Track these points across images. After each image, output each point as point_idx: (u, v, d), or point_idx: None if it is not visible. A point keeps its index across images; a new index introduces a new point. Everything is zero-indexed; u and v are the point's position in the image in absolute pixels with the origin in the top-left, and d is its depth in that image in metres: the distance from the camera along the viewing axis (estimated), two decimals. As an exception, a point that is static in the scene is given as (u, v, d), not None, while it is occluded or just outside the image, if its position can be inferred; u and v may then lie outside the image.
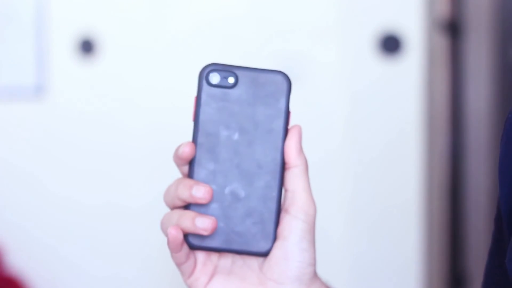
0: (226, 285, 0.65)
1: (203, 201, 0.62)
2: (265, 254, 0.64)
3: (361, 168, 1.65)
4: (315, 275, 0.65)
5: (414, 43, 1.61)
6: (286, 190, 0.65)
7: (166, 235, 0.63)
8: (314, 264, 0.64)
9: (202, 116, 0.64)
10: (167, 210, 0.66)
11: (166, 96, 1.71)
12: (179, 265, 0.64)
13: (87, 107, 1.75)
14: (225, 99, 0.64)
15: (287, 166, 0.64)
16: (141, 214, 1.72)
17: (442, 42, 1.68)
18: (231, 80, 0.64)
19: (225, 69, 0.64)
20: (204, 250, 0.64)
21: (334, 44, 1.64)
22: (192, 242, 0.63)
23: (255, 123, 0.64)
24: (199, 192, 0.62)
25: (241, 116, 0.64)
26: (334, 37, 1.64)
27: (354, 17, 1.63)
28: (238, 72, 0.64)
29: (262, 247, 0.64)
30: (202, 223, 0.61)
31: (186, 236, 0.63)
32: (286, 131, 0.65)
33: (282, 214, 0.64)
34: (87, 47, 1.74)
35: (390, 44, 1.62)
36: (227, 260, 0.65)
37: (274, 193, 0.64)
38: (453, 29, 1.68)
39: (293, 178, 0.64)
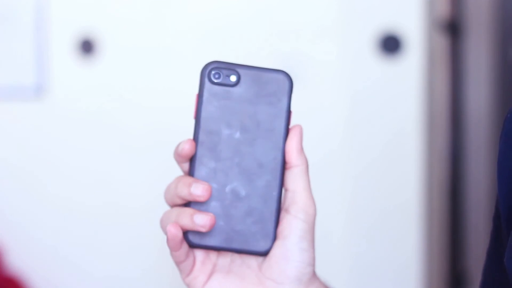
0: (225, 284, 0.65)
1: (202, 199, 0.62)
2: (264, 254, 0.64)
3: (361, 168, 1.65)
4: (314, 275, 0.65)
5: (414, 43, 1.61)
6: (286, 190, 0.65)
7: (166, 233, 0.63)
8: (313, 264, 0.64)
9: (203, 114, 0.63)
10: (167, 209, 0.66)
11: (166, 96, 1.71)
12: (178, 263, 0.64)
13: (87, 107, 1.75)
14: (226, 97, 0.64)
15: (287, 165, 0.64)
16: (141, 214, 1.72)
17: (442, 42, 1.68)
18: (233, 78, 0.64)
19: (228, 67, 0.64)
20: (203, 249, 0.64)
21: (334, 44, 1.64)
22: (191, 240, 0.63)
23: (257, 122, 0.64)
24: (198, 189, 0.62)
25: (242, 114, 0.64)
26: (334, 37, 1.64)
27: (354, 17, 1.63)
28: (240, 71, 0.64)
29: (262, 246, 0.64)
30: (200, 220, 0.61)
31: (185, 234, 0.63)
32: (287, 131, 0.65)
33: (282, 214, 0.64)
34: (87, 47, 1.74)
35: (390, 44, 1.62)
36: (225, 259, 0.66)
37: (275, 193, 0.64)
38: (453, 29, 1.68)
39: (294, 178, 0.64)
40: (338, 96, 1.64)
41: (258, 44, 1.67)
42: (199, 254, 0.65)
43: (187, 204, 0.63)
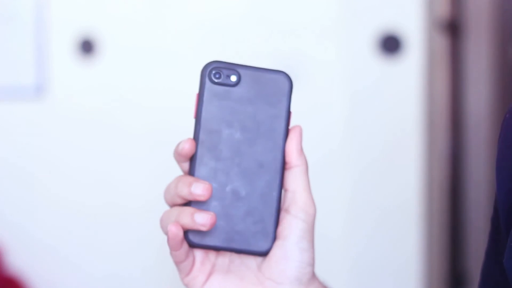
0: (224, 284, 0.65)
1: (202, 198, 0.62)
2: (264, 254, 0.64)
3: (361, 168, 1.65)
4: (313, 275, 0.65)
5: (414, 43, 1.61)
6: (286, 190, 0.65)
7: (166, 232, 0.63)
8: (313, 264, 0.64)
9: (203, 113, 0.63)
10: (167, 209, 0.66)
11: (166, 96, 1.71)
12: (178, 263, 0.64)
13: (87, 107, 1.75)
14: (227, 97, 0.64)
15: (287, 166, 0.65)
16: (141, 214, 1.72)
17: (442, 42, 1.68)
18: (233, 78, 0.64)
19: (228, 67, 0.64)
20: (203, 248, 0.64)
21: (334, 43, 1.64)
22: (192, 240, 0.63)
23: (256, 122, 0.64)
24: (198, 189, 0.62)
25: (242, 114, 0.64)
26: (334, 37, 1.64)
27: (354, 17, 1.63)
28: (241, 71, 0.64)
29: (262, 246, 0.64)
30: (201, 219, 0.61)
31: (186, 233, 0.63)
32: (287, 131, 0.65)
33: (282, 214, 0.64)
34: (87, 47, 1.74)
35: (390, 44, 1.62)
36: (224, 259, 0.66)
37: (275, 193, 0.64)
38: (453, 29, 1.68)
39: (294, 178, 0.64)
40: (338, 96, 1.64)
41: (258, 44, 1.67)
42: (198, 254, 0.65)
43: (187, 203, 0.63)
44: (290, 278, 0.63)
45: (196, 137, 0.64)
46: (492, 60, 1.66)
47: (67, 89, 1.76)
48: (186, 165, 0.65)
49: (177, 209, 0.63)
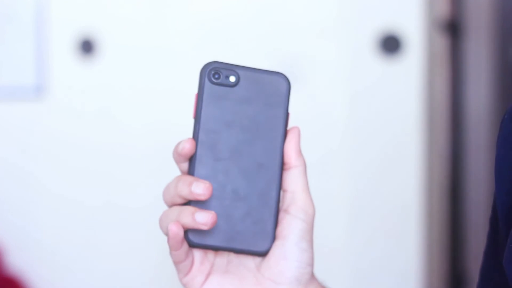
0: (223, 285, 0.65)
1: (203, 197, 0.62)
2: (264, 254, 0.64)
3: (361, 168, 1.65)
4: (312, 276, 0.65)
5: (414, 43, 1.61)
6: (285, 191, 0.65)
7: (165, 232, 0.63)
8: (312, 264, 0.64)
9: (203, 113, 0.64)
10: (166, 209, 0.65)
11: (166, 95, 1.71)
12: (177, 263, 0.64)
13: (87, 107, 1.75)
14: (226, 98, 0.64)
15: (286, 166, 0.65)
16: (141, 214, 1.72)
17: (442, 42, 1.68)
18: (232, 79, 0.64)
19: (227, 68, 0.64)
20: (203, 248, 0.64)
21: (334, 44, 1.64)
22: (191, 240, 0.63)
23: (255, 123, 0.64)
24: (199, 188, 0.61)
25: (241, 115, 0.64)
26: (334, 37, 1.64)
27: (354, 17, 1.63)
28: (240, 71, 0.64)
29: (261, 246, 0.64)
30: (202, 218, 0.61)
31: (185, 233, 0.63)
32: (285, 132, 0.65)
33: (282, 215, 0.64)
34: (87, 47, 1.74)
35: (390, 44, 1.62)
36: (223, 259, 0.65)
37: (274, 193, 0.64)
38: (453, 29, 1.68)
39: (293, 179, 0.64)
40: (338, 96, 1.64)
41: (258, 44, 1.67)
42: (197, 254, 0.65)
43: (187, 203, 0.63)
44: (289, 278, 0.63)
45: (195, 137, 0.64)
46: (492, 60, 1.66)
47: (67, 89, 1.76)
48: (185, 165, 0.64)
49: (177, 209, 0.62)
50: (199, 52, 1.68)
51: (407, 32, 1.61)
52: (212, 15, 1.68)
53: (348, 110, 1.64)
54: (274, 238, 0.64)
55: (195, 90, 0.65)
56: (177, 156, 0.64)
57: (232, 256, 0.65)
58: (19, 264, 1.77)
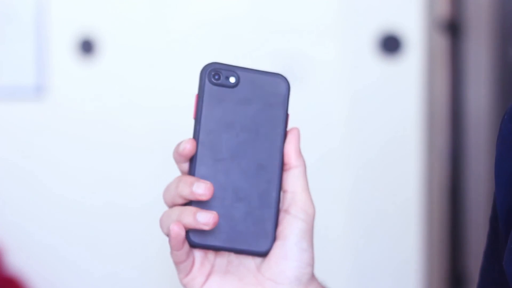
0: (223, 285, 0.65)
1: (204, 198, 0.62)
2: (264, 254, 0.64)
3: (361, 167, 1.65)
4: (312, 276, 0.65)
5: (414, 43, 1.61)
6: (285, 191, 0.65)
7: (166, 233, 0.63)
8: (312, 264, 0.65)
9: (203, 114, 0.64)
10: (167, 209, 0.65)
11: (166, 95, 1.71)
12: (178, 263, 0.64)
13: (87, 107, 1.75)
14: (226, 98, 0.64)
15: (287, 167, 0.65)
16: (141, 214, 1.72)
17: (442, 42, 1.68)
18: (232, 79, 0.64)
19: (227, 69, 0.64)
20: (204, 248, 0.64)
21: (334, 43, 1.64)
22: (193, 240, 0.63)
23: (255, 124, 0.64)
24: (200, 188, 0.61)
25: (241, 115, 0.64)
26: (334, 37, 1.64)
27: (354, 17, 1.63)
28: (240, 73, 0.64)
29: (262, 246, 0.64)
30: (203, 218, 0.61)
31: (187, 233, 0.63)
32: (285, 133, 0.65)
33: (282, 215, 0.64)
34: (87, 47, 1.74)
35: (390, 44, 1.62)
36: (223, 260, 0.66)
37: (274, 193, 0.64)
38: (453, 29, 1.68)
39: (293, 179, 0.65)
40: (338, 96, 1.64)
41: (258, 43, 1.67)
42: (198, 254, 0.65)
43: (188, 203, 0.63)
44: (290, 278, 0.63)
45: (196, 138, 0.64)
46: (492, 60, 1.66)
47: (67, 89, 1.76)
48: (185, 166, 0.65)
49: (178, 209, 0.62)
50: (199, 52, 1.68)
51: (407, 32, 1.61)
52: (212, 15, 1.68)
53: (348, 110, 1.64)
54: (274, 238, 0.64)
55: (195, 90, 0.65)
56: (178, 156, 0.64)
57: (232, 256, 0.66)
58: (19, 264, 1.77)
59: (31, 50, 1.75)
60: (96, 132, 1.74)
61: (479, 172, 1.68)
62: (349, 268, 1.66)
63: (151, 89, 1.72)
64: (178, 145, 0.63)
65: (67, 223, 1.76)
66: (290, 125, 0.66)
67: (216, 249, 0.64)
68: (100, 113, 1.74)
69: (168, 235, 0.62)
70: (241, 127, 0.64)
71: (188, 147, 0.63)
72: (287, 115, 0.65)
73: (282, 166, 0.65)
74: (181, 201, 0.63)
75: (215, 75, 0.64)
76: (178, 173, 0.66)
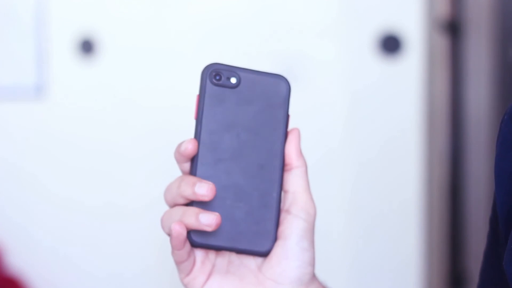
0: (224, 285, 0.65)
1: (206, 198, 0.62)
2: (265, 254, 0.64)
3: (360, 167, 1.65)
4: (313, 276, 0.65)
5: (414, 43, 1.61)
6: (286, 191, 0.65)
7: (168, 232, 0.63)
8: (313, 264, 0.65)
9: (204, 114, 0.64)
10: (167, 208, 0.66)
11: (166, 96, 1.71)
12: (179, 263, 0.64)
13: (87, 107, 1.75)
14: (227, 99, 0.64)
15: (288, 167, 0.65)
16: (141, 214, 1.72)
17: (442, 42, 1.68)
18: (233, 80, 0.64)
19: (228, 69, 0.64)
20: (206, 248, 0.64)
21: (334, 43, 1.64)
22: (194, 239, 0.63)
23: (256, 124, 0.65)
24: (202, 189, 0.62)
25: (242, 116, 0.64)
26: (334, 37, 1.64)
27: (354, 17, 1.63)
28: (241, 73, 0.65)
29: (263, 246, 0.64)
30: (206, 219, 0.61)
31: (188, 233, 0.63)
32: (285, 134, 0.65)
33: (283, 215, 0.65)
34: (87, 47, 1.74)
35: (390, 44, 1.62)
36: (223, 260, 0.66)
37: (275, 194, 0.65)
38: (453, 29, 1.68)
39: (294, 179, 0.65)
40: (338, 96, 1.64)
41: (258, 44, 1.67)
42: (199, 254, 0.65)
43: (189, 204, 0.63)
44: (291, 278, 0.63)
45: (197, 138, 0.64)
46: (492, 60, 1.66)
47: (67, 89, 1.76)
48: (186, 166, 0.65)
49: (180, 209, 0.62)
50: (199, 52, 1.68)
51: (407, 32, 1.61)
52: (212, 15, 1.68)
53: (348, 110, 1.64)
54: (275, 238, 0.64)
55: (195, 90, 0.65)
56: (179, 156, 0.64)
57: (233, 256, 0.66)
58: (19, 264, 1.77)
59: (31, 50, 1.75)
60: (96, 132, 1.75)
61: (479, 172, 1.68)
62: (349, 268, 1.66)
63: (151, 89, 1.72)
64: (180, 145, 0.64)
65: (67, 223, 1.76)
66: (290, 124, 0.66)
67: (217, 248, 0.64)
68: (100, 113, 1.74)
69: (169, 234, 0.62)
70: (242, 128, 0.64)
71: (190, 147, 0.63)
72: (287, 116, 0.66)
73: (282, 166, 0.65)
74: (182, 201, 0.63)
75: (216, 76, 0.64)
76: (179, 173, 0.66)
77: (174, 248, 0.62)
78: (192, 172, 0.64)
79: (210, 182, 0.62)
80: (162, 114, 1.71)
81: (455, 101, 1.70)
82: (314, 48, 1.64)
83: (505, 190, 0.57)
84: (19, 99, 1.77)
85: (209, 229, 0.61)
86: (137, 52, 1.72)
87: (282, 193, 0.65)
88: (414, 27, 1.61)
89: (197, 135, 0.64)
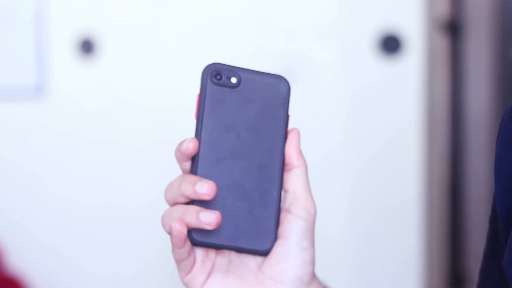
0: (224, 284, 0.65)
1: (207, 197, 0.62)
2: (265, 253, 0.65)
3: (360, 167, 1.65)
4: (313, 275, 0.65)
5: (414, 43, 1.61)
6: (286, 191, 0.65)
7: (168, 231, 0.63)
8: (313, 263, 0.65)
9: (205, 114, 0.64)
10: (168, 207, 0.66)
11: (166, 95, 1.71)
12: (179, 261, 0.64)
13: (87, 107, 1.75)
14: (227, 98, 0.65)
15: (288, 167, 0.65)
16: (141, 214, 1.72)
17: (442, 42, 1.68)
18: (234, 80, 0.65)
19: (229, 69, 0.65)
20: (206, 247, 0.64)
21: (334, 43, 1.64)
22: (194, 238, 0.63)
23: (256, 124, 0.65)
24: (203, 188, 0.62)
25: (242, 116, 0.65)
26: (333, 37, 1.64)
27: (354, 17, 1.63)
28: (241, 73, 0.65)
29: (263, 245, 0.64)
30: (206, 218, 0.61)
31: (188, 231, 0.63)
32: (285, 134, 0.66)
33: (284, 214, 0.65)
34: (87, 47, 1.74)
35: (390, 44, 1.62)
36: (224, 259, 0.66)
37: (275, 193, 0.65)
38: (453, 29, 1.68)
39: (294, 179, 0.65)
40: (338, 96, 1.64)
41: (258, 44, 1.67)
42: (199, 253, 0.65)
43: (189, 203, 0.64)
44: (291, 277, 0.63)
45: (198, 137, 0.64)
46: (492, 60, 1.66)
47: (67, 89, 1.76)
48: (187, 165, 0.65)
49: (181, 208, 0.63)
50: (199, 52, 1.68)
51: (407, 32, 1.61)
52: (212, 15, 1.68)
53: (348, 110, 1.64)
54: (275, 237, 0.65)
55: (195, 90, 0.65)
56: (180, 155, 0.64)
57: (233, 255, 0.66)
58: (19, 264, 1.77)
59: (31, 50, 1.75)
60: (96, 132, 1.75)
61: (479, 172, 1.68)
62: (349, 268, 1.66)
63: (151, 89, 1.72)
64: (181, 144, 0.64)
65: (67, 223, 1.76)
66: (290, 124, 0.66)
67: (218, 247, 0.64)
68: (100, 113, 1.74)
69: (169, 233, 0.62)
70: (242, 127, 0.65)
71: (191, 146, 0.63)
72: (287, 116, 0.66)
73: (283, 166, 0.65)
74: (183, 200, 0.63)
75: (216, 75, 0.64)
76: (179, 173, 0.66)
77: (174, 247, 0.62)
78: (193, 171, 0.64)
79: (211, 181, 0.62)
80: (162, 114, 1.71)
81: (455, 101, 1.70)
82: (314, 48, 1.64)
83: (505, 190, 0.57)
84: (19, 99, 1.77)
85: (209, 227, 0.61)
86: (137, 52, 1.72)
87: (282, 193, 0.66)
88: (414, 27, 1.61)
89: (198, 134, 0.64)
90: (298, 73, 1.64)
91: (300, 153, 0.66)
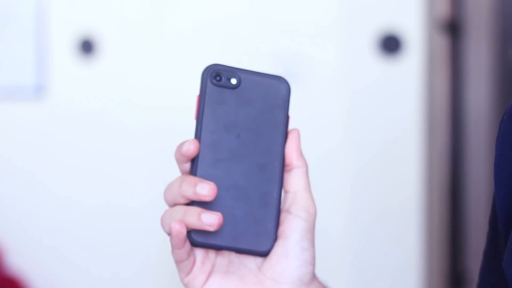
0: (224, 284, 0.65)
1: (208, 199, 0.62)
2: (265, 254, 0.65)
3: (360, 167, 1.65)
4: (314, 275, 0.65)
5: (414, 43, 1.61)
6: (286, 191, 0.65)
7: (168, 231, 0.63)
8: (313, 263, 0.65)
9: (205, 115, 0.64)
10: (167, 208, 0.66)
11: (166, 95, 1.71)
12: (179, 262, 0.64)
13: (87, 107, 1.75)
14: (227, 99, 0.64)
15: (288, 167, 0.65)
16: (141, 214, 1.72)
17: (442, 42, 1.68)
18: (233, 81, 0.65)
19: (229, 70, 0.65)
20: (206, 248, 0.64)
21: (334, 43, 1.64)
22: (194, 239, 0.63)
23: (256, 125, 0.65)
24: (204, 189, 0.62)
25: (242, 117, 0.65)
26: (334, 37, 1.64)
27: (354, 17, 1.63)
28: (241, 74, 0.65)
29: (263, 246, 0.64)
30: (208, 219, 0.61)
31: (188, 232, 0.63)
32: (285, 135, 0.65)
33: (284, 215, 0.65)
34: (87, 47, 1.74)
35: (390, 44, 1.62)
36: (223, 259, 0.66)
37: (275, 194, 0.65)
38: (453, 29, 1.68)
39: (295, 179, 0.65)
40: (338, 96, 1.64)
41: (258, 44, 1.67)
42: (199, 253, 0.65)
43: (189, 203, 0.63)
44: (291, 278, 0.63)
45: (198, 138, 0.64)
46: (492, 60, 1.66)
47: (67, 89, 1.76)
48: (186, 166, 0.65)
49: (182, 209, 0.63)
50: (199, 52, 1.68)
51: (407, 32, 1.61)
52: (212, 15, 1.68)
53: (348, 110, 1.64)
54: (275, 238, 0.64)
55: (195, 90, 0.65)
56: (180, 156, 0.64)
57: (233, 256, 0.66)
58: (19, 264, 1.78)
59: (31, 50, 1.75)
60: (96, 132, 1.75)
61: (479, 172, 1.68)
62: (349, 267, 1.66)
63: (151, 89, 1.72)
64: (181, 145, 0.64)
65: (67, 223, 1.76)
66: (290, 124, 0.66)
67: (218, 248, 0.64)
68: (100, 113, 1.74)
69: (169, 233, 0.62)
70: (242, 128, 0.65)
71: (192, 148, 0.63)
72: (287, 117, 0.66)
73: (283, 167, 0.65)
74: (183, 201, 0.63)
75: (216, 76, 0.64)
76: (178, 173, 0.66)
77: (174, 247, 0.62)
78: (193, 172, 0.64)
79: (211, 183, 0.62)
80: (162, 114, 1.71)
81: (455, 101, 1.70)
82: (314, 48, 1.65)
83: (504, 190, 0.57)
84: (19, 99, 1.77)
85: (211, 229, 0.61)
86: (137, 52, 1.72)
87: (283, 193, 0.66)
88: (414, 27, 1.61)
89: (198, 135, 0.64)
90: (298, 73, 1.64)
91: (300, 154, 0.66)
